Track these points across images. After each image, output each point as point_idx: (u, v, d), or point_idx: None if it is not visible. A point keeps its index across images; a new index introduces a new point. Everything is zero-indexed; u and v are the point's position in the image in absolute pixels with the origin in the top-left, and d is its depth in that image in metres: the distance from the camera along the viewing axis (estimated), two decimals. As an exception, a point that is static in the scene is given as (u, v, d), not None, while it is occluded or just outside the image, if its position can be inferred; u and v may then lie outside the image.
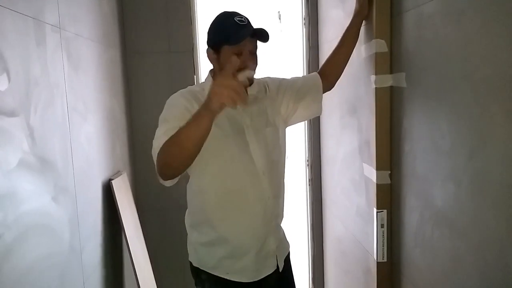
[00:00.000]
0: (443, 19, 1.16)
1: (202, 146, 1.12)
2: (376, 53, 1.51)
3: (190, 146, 1.10)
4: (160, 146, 1.17)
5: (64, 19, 1.60)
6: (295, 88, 1.57)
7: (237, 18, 1.33)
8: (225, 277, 1.42)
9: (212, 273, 1.43)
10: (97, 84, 1.98)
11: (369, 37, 1.57)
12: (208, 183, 1.41)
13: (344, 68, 1.66)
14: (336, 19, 2.10)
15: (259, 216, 1.43)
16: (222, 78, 1.02)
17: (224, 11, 1.40)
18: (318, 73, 1.64)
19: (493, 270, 0.99)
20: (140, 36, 2.53)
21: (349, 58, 1.65)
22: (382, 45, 1.50)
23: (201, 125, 1.06)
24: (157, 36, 2.53)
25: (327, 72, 1.64)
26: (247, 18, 1.36)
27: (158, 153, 1.18)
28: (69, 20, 1.65)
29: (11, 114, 1.19)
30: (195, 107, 1.26)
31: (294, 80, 1.61)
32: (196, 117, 1.08)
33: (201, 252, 1.46)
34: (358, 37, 1.63)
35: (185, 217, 1.53)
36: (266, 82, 1.55)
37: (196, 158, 1.19)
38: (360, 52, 1.68)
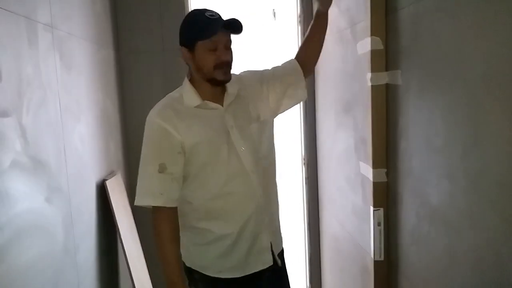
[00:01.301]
0: (438, 16, 1.15)
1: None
2: (371, 51, 1.50)
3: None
4: (148, 200, 1.46)
5: (57, 18, 1.58)
6: (277, 78, 1.54)
7: (208, 14, 1.32)
8: (218, 276, 1.42)
9: (205, 273, 1.43)
10: (90, 84, 1.96)
11: (365, 34, 1.56)
12: (197, 189, 1.40)
13: (320, 53, 1.61)
14: (331, 16, 2.09)
15: (251, 215, 1.42)
16: None
17: (194, 9, 1.39)
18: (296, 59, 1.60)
19: (488, 267, 0.99)
20: (134, 35, 2.51)
21: (323, 42, 1.60)
22: (377, 43, 1.49)
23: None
24: (151, 35, 2.51)
25: (304, 60, 1.58)
26: (218, 13, 1.34)
27: (155, 234, 1.40)
28: (62, 19, 1.63)
29: (3, 114, 1.17)
30: (176, 124, 1.33)
31: (274, 70, 1.58)
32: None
33: (194, 253, 1.46)
34: (327, 21, 1.57)
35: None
36: (245, 77, 1.53)
37: (184, 170, 1.38)
38: (355, 50, 1.68)
